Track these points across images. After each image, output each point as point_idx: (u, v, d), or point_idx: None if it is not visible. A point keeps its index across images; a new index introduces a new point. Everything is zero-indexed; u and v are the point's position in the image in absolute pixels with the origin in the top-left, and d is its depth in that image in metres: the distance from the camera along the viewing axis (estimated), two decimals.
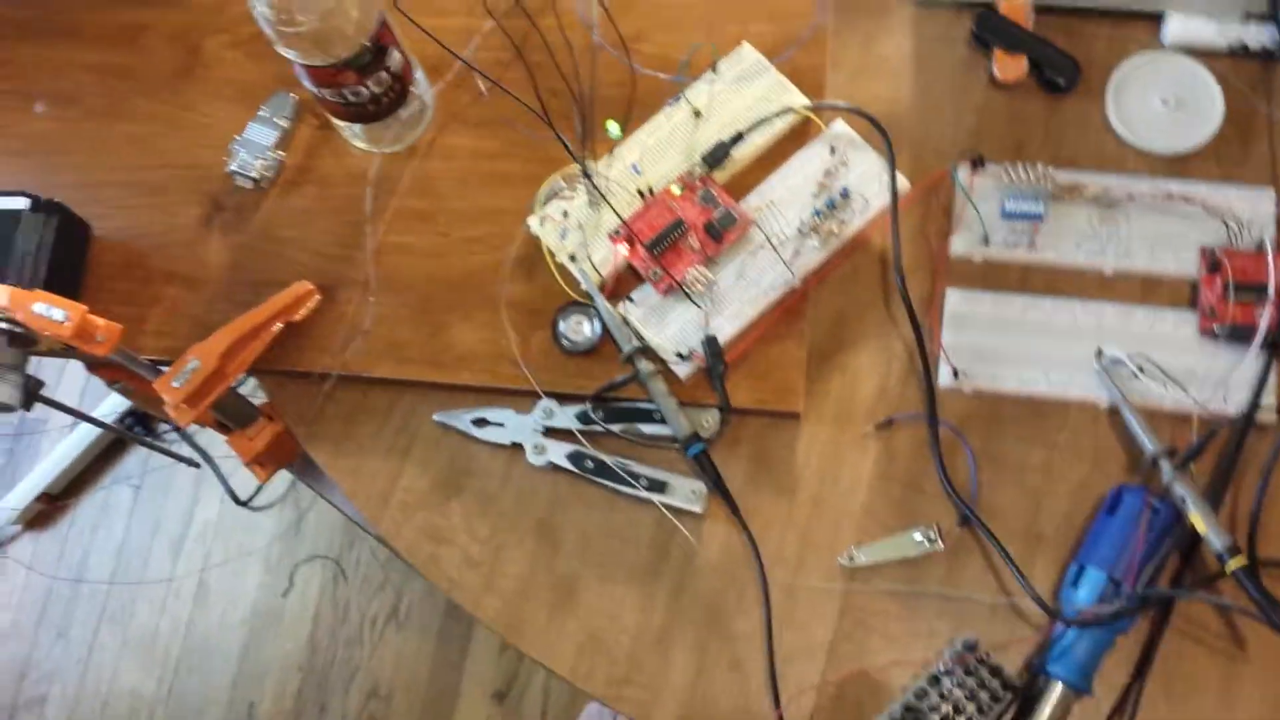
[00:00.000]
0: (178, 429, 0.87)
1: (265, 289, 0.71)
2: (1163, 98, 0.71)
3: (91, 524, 1.56)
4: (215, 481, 0.95)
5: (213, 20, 0.80)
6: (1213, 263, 0.66)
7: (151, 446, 1.09)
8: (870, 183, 0.69)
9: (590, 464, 0.67)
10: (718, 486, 0.65)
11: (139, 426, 1.47)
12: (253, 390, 0.74)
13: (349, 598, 1.45)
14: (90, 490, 1.58)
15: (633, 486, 0.66)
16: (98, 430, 1.53)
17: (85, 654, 1.49)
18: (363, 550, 1.47)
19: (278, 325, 0.70)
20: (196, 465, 0.99)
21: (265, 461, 0.77)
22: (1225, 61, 0.72)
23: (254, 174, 0.75)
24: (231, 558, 1.50)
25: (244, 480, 0.87)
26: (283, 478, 1.37)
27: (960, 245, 0.69)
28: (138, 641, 1.49)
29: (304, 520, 1.49)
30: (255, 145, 0.75)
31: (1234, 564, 0.57)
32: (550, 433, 0.68)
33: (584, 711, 1.36)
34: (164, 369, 0.68)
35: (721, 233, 0.68)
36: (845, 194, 0.69)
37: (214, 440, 0.79)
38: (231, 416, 0.74)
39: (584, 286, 0.68)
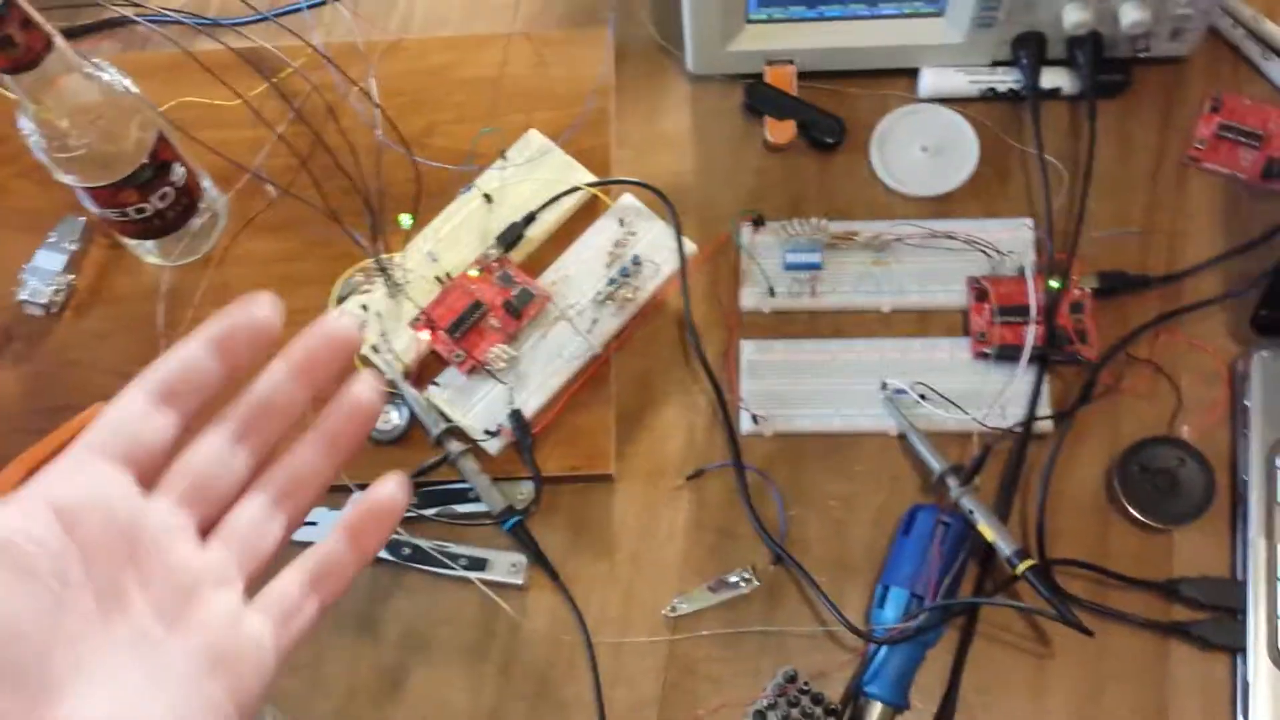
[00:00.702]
0: None
1: (62, 414, 0.72)
2: (923, 145, 0.79)
3: None
4: None
5: None
6: (980, 291, 0.73)
7: None
8: (659, 249, 0.75)
9: (407, 551, 0.70)
10: (536, 555, 0.69)
11: None
12: None
13: None
14: None
15: (451, 567, 0.69)
16: None
17: None
18: None
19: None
20: None
21: None
22: (978, 106, 0.81)
23: (44, 300, 0.77)
24: None
25: None
26: None
27: (749, 299, 0.75)
28: None
29: None
30: (44, 272, 0.78)
31: (1023, 567, 0.63)
32: None
33: None
34: None
35: (520, 310, 0.73)
36: (637, 261, 0.74)
37: None
38: None
39: (388, 376, 0.72)
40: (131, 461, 0.34)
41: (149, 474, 0.35)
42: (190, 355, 0.36)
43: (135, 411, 0.35)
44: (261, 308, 0.37)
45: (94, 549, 0.33)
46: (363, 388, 0.38)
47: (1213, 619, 0.65)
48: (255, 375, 0.38)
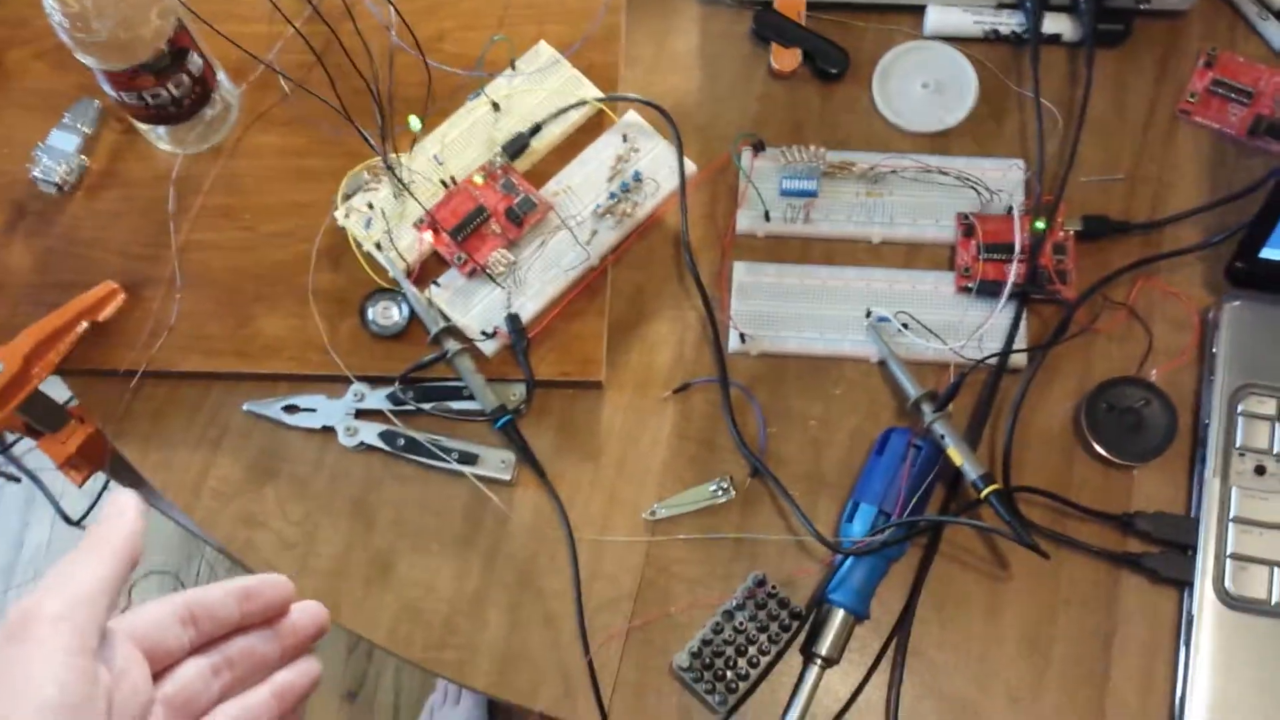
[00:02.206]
0: (2, 451, 0.87)
1: (71, 291, 0.73)
2: (924, 82, 0.80)
3: None
4: (44, 504, 0.94)
5: (16, 34, 0.82)
6: (968, 227, 0.74)
7: None
8: (661, 167, 0.75)
9: (402, 441, 0.71)
10: (525, 454, 0.70)
11: None
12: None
13: None
14: None
15: (444, 460, 0.70)
16: None
17: None
18: (201, 564, 1.47)
19: (83, 325, 0.72)
20: (18, 480, 0.98)
21: (79, 464, 0.78)
22: (980, 47, 0.81)
23: (56, 179, 0.77)
24: None
25: (75, 500, 0.87)
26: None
27: (744, 222, 0.76)
28: None
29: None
30: (58, 151, 0.78)
31: (988, 491, 0.65)
32: (362, 415, 0.72)
33: (431, 696, 1.39)
34: None
35: (522, 217, 0.73)
36: (638, 178, 0.75)
37: (43, 463, 0.80)
38: (41, 420, 0.76)
39: (391, 273, 0.72)
40: (149, 654, 0.41)
41: (157, 669, 0.42)
42: (218, 596, 0.44)
43: (165, 619, 0.42)
44: (281, 588, 0.46)
45: (122, 704, 0.38)
46: (310, 665, 0.47)
47: (1164, 553, 0.67)
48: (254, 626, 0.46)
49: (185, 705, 0.42)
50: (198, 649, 0.43)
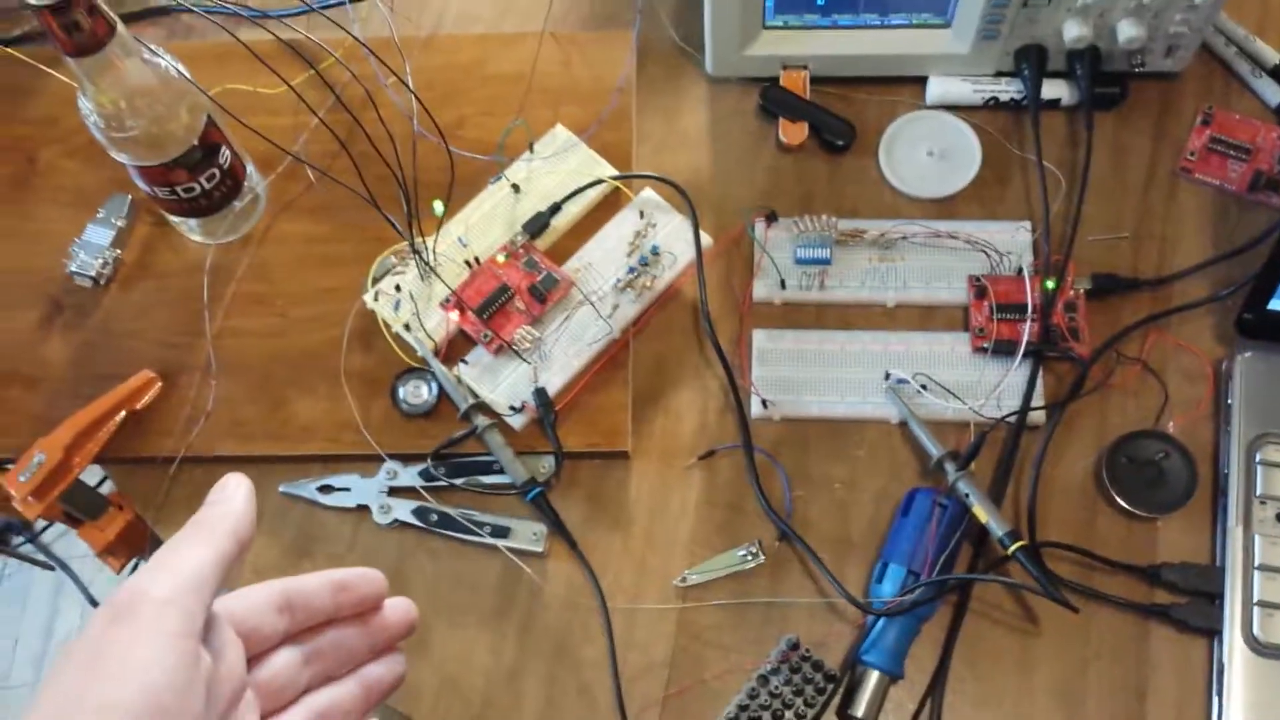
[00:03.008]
0: (32, 539, 0.88)
1: (108, 382, 0.74)
2: (929, 150, 0.81)
3: None
4: (73, 591, 0.95)
5: (47, 132, 0.85)
6: (979, 289, 0.75)
7: (8, 552, 1.08)
8: (677, 240, 0.77)
9: (435, 517, 0.72)
10: (556, 525, 0.71)
11: None
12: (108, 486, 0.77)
13: None
14: None
15: (477, 534, 0.71)
16: None
17: None
18: None
19: (121, 414, 0.73)
20: (51, 568, 0.99)
21: (118, 551, 0.79)
22: (981, 114, 0.82)
23: (93, 273, 0.79)
24: None
25: (103, 587, 0.88)
26: None
27: (761, 290, 0.77)
28: None
29: None
30: (93, 246, 0.79)
31: (1014, 547, 0.65)
32: (395, 492, 0.73)
33: None
34: (10, 466, 0.71)
35: (545, 294, 0.75)
36: (655, 251, 0.76)
37: (71, 548, 0.81)
38: (81, 508, 0.77)
39: (420, 353, 0.74)
40: (245, 639, 0.41)
41: (251, 654, 0.42)
42: (315, 586, 0.44)
43: (262, 605, 0.42)
44: (375, 583, 0.46)
45: (219, 688, 0.39)
46: (397, 663, 0.47)
47: (1192, 603, 0.67)
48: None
49: (276, 693, 0.42)
50: (291, 637, 0.43)
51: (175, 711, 0.35)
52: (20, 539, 1.32)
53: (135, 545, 0.79)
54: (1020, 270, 0.76)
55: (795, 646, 0.66)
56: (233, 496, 0.43)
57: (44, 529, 0.86)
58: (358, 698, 0.45)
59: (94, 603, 0.94)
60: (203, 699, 0.37)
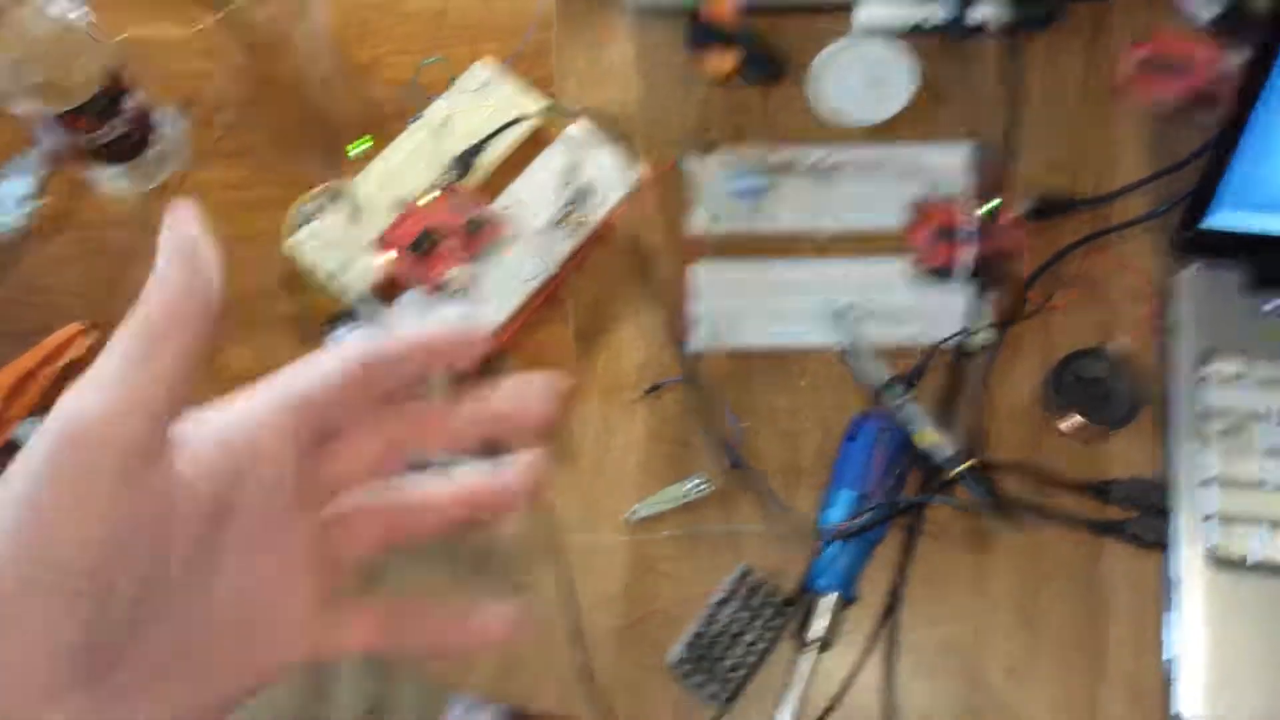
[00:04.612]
0: None
1: (30, 339, 0.71)
2: (861, 76, 0.79)
3: None
4: None
5: None
6: (918, 214, 0.73)
7: None
8: (609, 175, 0.74)
9: None
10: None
11: None
12: None
13: None
14: None
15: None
16: None
17: None
18: None
19: (53, 369, 0.69)
20: None
21: None
22: (914, 37, 0.80)
23: (11, 227, 0.74)
24: None
25: None
26: None
27: (697, 224, 0.74)
28: None
29: None
30: (9, 199, 0.75)
31: (960, 469, 0.64)
32: None
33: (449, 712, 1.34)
34: None
35: (476, 233, 0.71)
36: (586, 188, 0.73)
37: None
38: None
39: (348, 299, 0.70)
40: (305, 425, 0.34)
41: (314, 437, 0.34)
42: (396, 348, 0.35)
43: (332, 380, 0.34)
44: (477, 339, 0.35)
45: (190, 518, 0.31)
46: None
47: (1143, 518, 0.66)
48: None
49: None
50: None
51: (135, 558, 0.29)
52: None
53: None
54: (958, 194, 0.74)
55: (748, 573, 0.64)
56: (183, 247, 0.31)
57: None
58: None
59: None
60: (170, 539, 0.30)
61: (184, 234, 0.31)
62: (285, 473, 0.33)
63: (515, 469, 0.36)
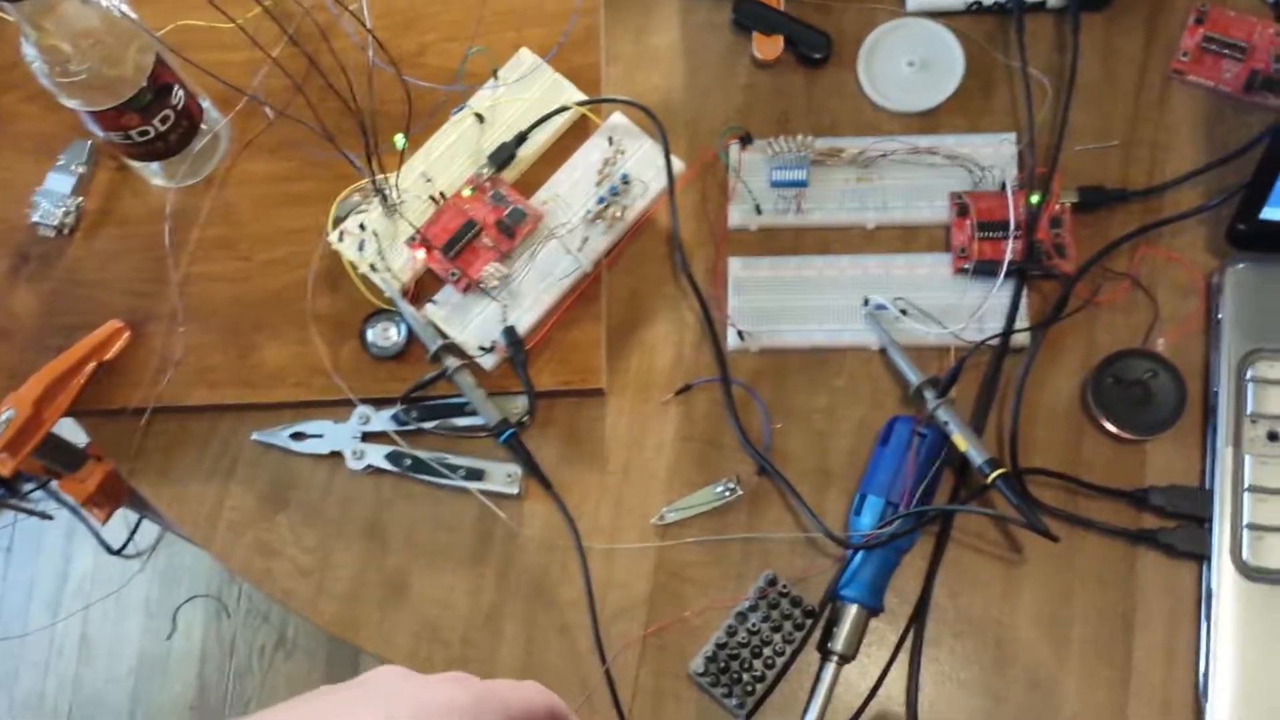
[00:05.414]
0: (42, 485, 0.86)
1: (76, 333, 0.71)
2: (909, 60, 0.75)
3: None
4: (85, 535, 0.93)
5: (6, 77, 0.80)
6: (961, 207, 0.70)
7: (3, 504, 1.07)
8: (648, 167, 0.72)
9: (409, 461, 0.68)
10: (531, 467, 0.67)
11: (0, 489, 1.43)
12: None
13: (234, 632, 1.43)
14: None
15: (450, 478, 0.68)
16: None
17: None
18: (243, 584, 1.46)
19: (91, 366, 0.70)
20: (49, 518, 0.97)
21: (100, 502, 0.77)
22: (964, 20, 0.76)
23: (55, 222, 0.75)
24: (111, 608, 1.47)
25: (115, 530, 0.86)
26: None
27: (736, 217, 0.72)
28: (25, 705, 1.45)
29: (180, 561, 1.46)
30: (55, 194, 0.75)
31: (994, 475, 0.61)
32: (368, 437, 0.69)
33: None
34: None
35: (513, 229, 0.70)
36: (625, 180, 0.71)
37: None
38: (59, 461, 0.74)
39: (387, 294, 0.70)
40: None
41: None
42: None
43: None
44: None
45: None
46: None
47: (1180, 527, 0.63)
48: None
49: None
50: None
51: None
52: (31, 485, 1.31)
53: (116, 495, 0.77)
54: (1003, 185, 0.70)
55: (773, 583, 0.63)
56: None
57: (46, 481, 0.84)
58: None
59: (107, 547, 0.92)
60: None
61: None
62: None
63: None
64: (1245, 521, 0.62)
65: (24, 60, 0.65)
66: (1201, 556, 0.63)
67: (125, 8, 0.67)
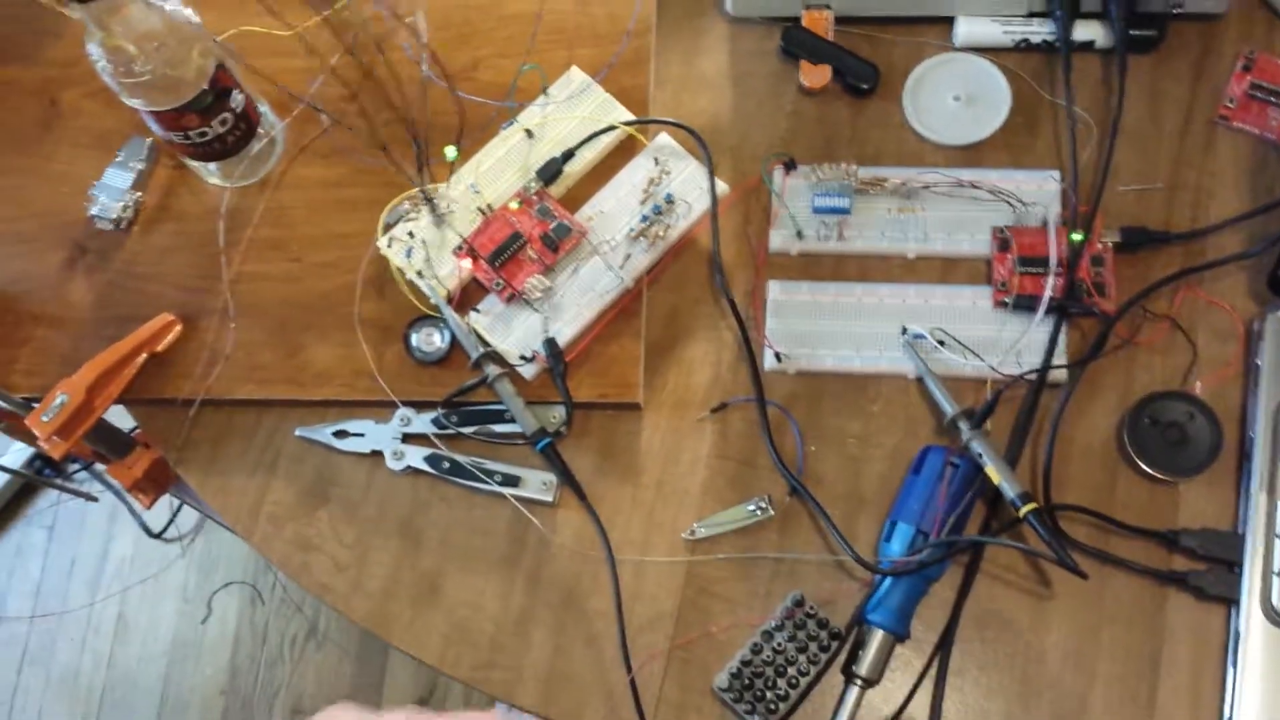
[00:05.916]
0: (86, 467, 0.86)
1: (130, 324, 0.71)
2: (955, 94, 0.75)
3: (6, 568, 1.52)
4: (128, 518, 0.93)
5: (69, 74, 0.80)
6: (1003, 241, 0.69)
7: (50, 484, 1.07)
8: (692, 189, 0.71)
9: (447, 465, 0.68)
10: (566, 476, 0.67)
11: (48, 469, 1.44)
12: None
13: (267, 620, 1.44)
14: (3, 535, 1.54)
15: (487, 483, 0.67)
16: (4, 476, 1.50)
17: (9, 696, 1.46)
18: (278, 572, 1.46)
19: (142, 356, 0.70)
20: (94, 499, 0.98)
21: (146, 488, 0.77)
22: (1012, 56, 0.75)
23: (113, 216, 0.75)
24: (149, 590, 1.47)
25: (156, 514, 0.86)
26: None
27: (777, 241, 0.72)
28: (61, 680, 1.46)
29: (218, 547, 1.47)
30: (113, 189, 0.75)
31: (1026, 510, 0.60)
32: (408, 439, 0.69)
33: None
34: (36, 405, 0.68)
35: (557, 242, 0.70)
36: (670, 200, 0.71)
37: None
38: (108, 446, 0.74)
39: (433, 300, 0.69)
40: None
41: None
42: None
43: None
44: None
45: None
46: None
47: (1211, 570, 0.62)
48: None
49: None
50: None
51: None
52: (76, 466, 1.32)
53: (161, 482, 0.77)
54: (1045, 222, 0.69)
55: (800, 603, 0.62)
56: None
57: (91, 462, 0.84)
58: None
59: (146, 529, 0.92)
60: None
61: None
62: None
63: None
64: (1276, 568, 0.61)
65: (88, 58, 0.66)
66: (1231, 600, 0.61)
67: (189, 13, 0.67)
